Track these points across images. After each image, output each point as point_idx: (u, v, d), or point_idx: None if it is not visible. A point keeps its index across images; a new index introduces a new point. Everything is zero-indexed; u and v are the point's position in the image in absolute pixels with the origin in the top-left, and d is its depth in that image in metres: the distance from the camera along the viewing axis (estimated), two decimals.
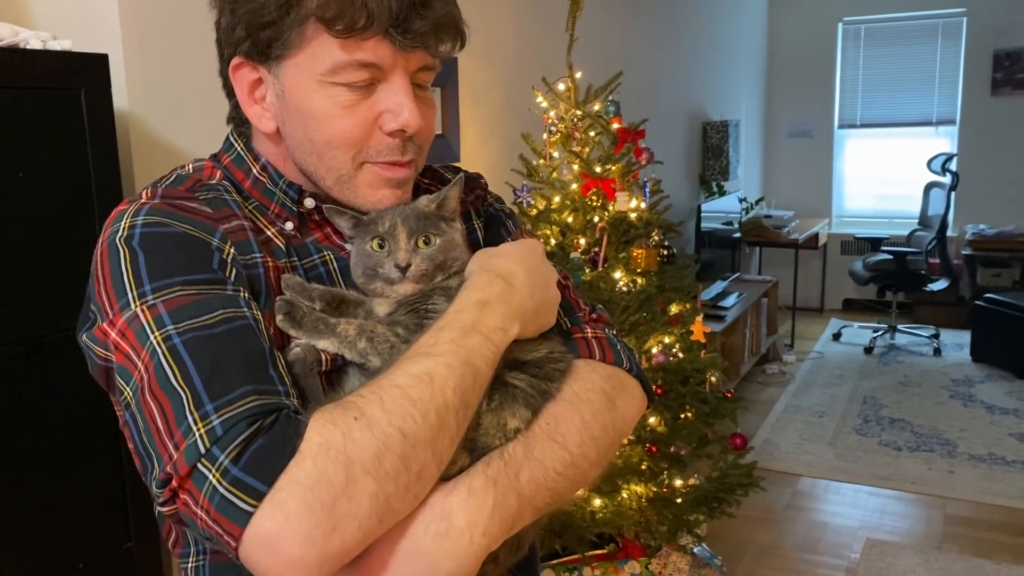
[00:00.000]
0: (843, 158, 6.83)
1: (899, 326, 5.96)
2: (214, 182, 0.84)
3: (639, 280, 2.61)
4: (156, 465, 0.67)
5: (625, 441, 2.62)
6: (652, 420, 2.66)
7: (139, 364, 0.70)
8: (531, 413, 0.79)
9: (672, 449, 2.65)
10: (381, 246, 0.81)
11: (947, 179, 5.64)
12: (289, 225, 0.85)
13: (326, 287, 0.82)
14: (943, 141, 6.40)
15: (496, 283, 0.78)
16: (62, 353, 1.15)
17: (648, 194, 2.70)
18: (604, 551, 2.90)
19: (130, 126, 1.55)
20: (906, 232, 6.08)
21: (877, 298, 6.37)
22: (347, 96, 0.79)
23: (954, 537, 3.31)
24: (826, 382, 5.14)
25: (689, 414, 2.71)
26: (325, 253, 0.86)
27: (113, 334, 0.73)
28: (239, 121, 0.88)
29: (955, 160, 5.81)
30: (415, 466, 0.67)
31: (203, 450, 0.64)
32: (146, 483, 0.72)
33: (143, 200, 0.79)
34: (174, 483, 0.66)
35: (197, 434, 0.65)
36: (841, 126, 6.78)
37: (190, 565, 0.84)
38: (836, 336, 6.06)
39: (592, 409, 0.83)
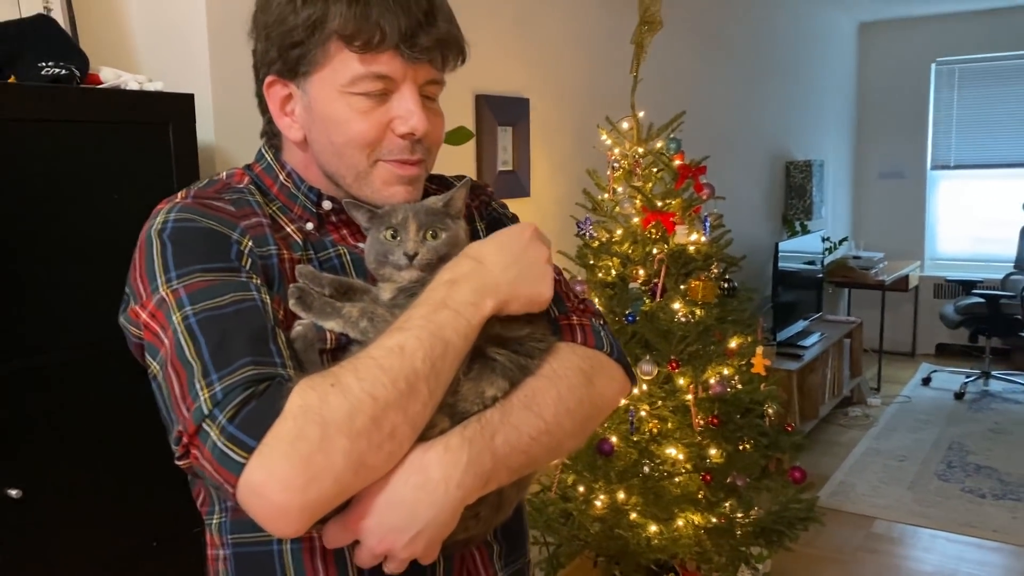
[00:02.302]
0: (936, 199, 6.68)
1: (994, 372, 5.75)
2: (241, 186, 0.98)
3: (698, 311, 2.68)
4: (174, 426, 0.81)
5: (683, 470, 2.67)
6: (713, 452, 2.70)
7: (164, 340, 0.84)
8: (509, 384, 0.88)
9: (729, 480, 2.68)
10: (393, 236, 0.92)
11: None
12: (309, 225, 0.98)
13: (336, 276, 0.94)
14: None
15: (465, 263, 0.89)
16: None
17: (708, 228, 2.76)
18: None
19: (216, 157, 1.74)
20: (1001, 276, 5.89)
21: (970, 343, 6.17)
22: (364, 103, 0.92)
23: None
24: (911, 427, 5.02)
25: (747, 445, 2.74)
26: (340, 248, 0.98)
27: (144, 315, 0.86)
28: (271, 135, 1.02)
29: None
30: (386, 426, 0.78)
31: (206, 411, 0.77)
32: (170, 444, 0.86)
33: (178, 200, 0.93)
34: (185, 439, 0.79)
35: (203, 398, 0.78)
36: (934, 167, 6.65)
37: (214, 521, 0.98)
38: (926, 381, 5.89)
39: (569, 385, 0.92)
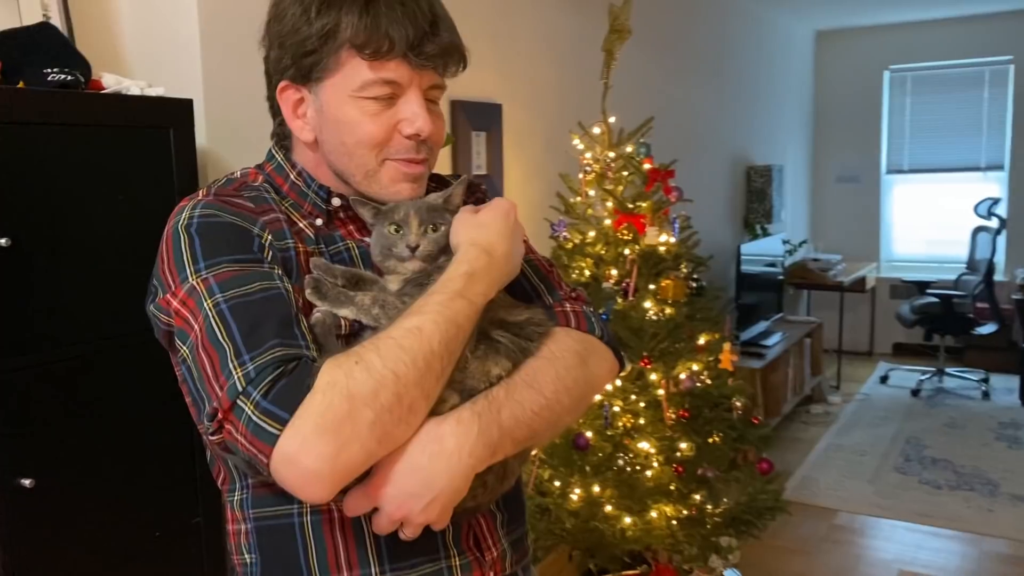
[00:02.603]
0: (891, 203, 6.90)
1: (948, 369, 5.96)
2: (256, 184, 1.04)
3: (668, 310, 2.78)
4: (206, 404, 0.87)
5: (655, 463, 2.76)
6: (684, 445, 2.80)
7: (195, 325, 0.90)
8: (512, 364, 0.96)
9: (699, 472, 2.78)
10: (397, 230, 0.99)
11: (994, 223, 5.68)
12: (319, 221, 1.04)
13: (347, 268, 1.01)
14: (992, 186, 6.43)
15: (481, 257, 0.96)
16: (147, 349, 1.36)
17: (678, 229, 2.87)
18: (636, 572, 3.03)
19: (207, 160, 1.80)
20: (954, 276, 6.10)
21: (925, 342, 6.38)
22: (373, 107, 0.99)
23: (988, 572, 3.34)
24: (870, 423, 5.18)
25: (717, 438, 2.84)
26: (348, 243, 1.05)
27: (175, 303, 0.92)
28: (281, 137, 1.09)
29: (1001, 204, 5.84)
30: (406, 400, 0.85)
31: (241, 388, 0.84)
32: (199, 423, 0.92)
33: (200, 197, 1.00)
34: (220, 416, 0.85)
35: (236, 376, 0.84)
36: (889, 171, 6.86)
37: (235, 498, 1.03)
38: (884, 379, 6.08)
39: (566, 365, 1.01)
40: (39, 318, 1.36)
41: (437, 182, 1.17)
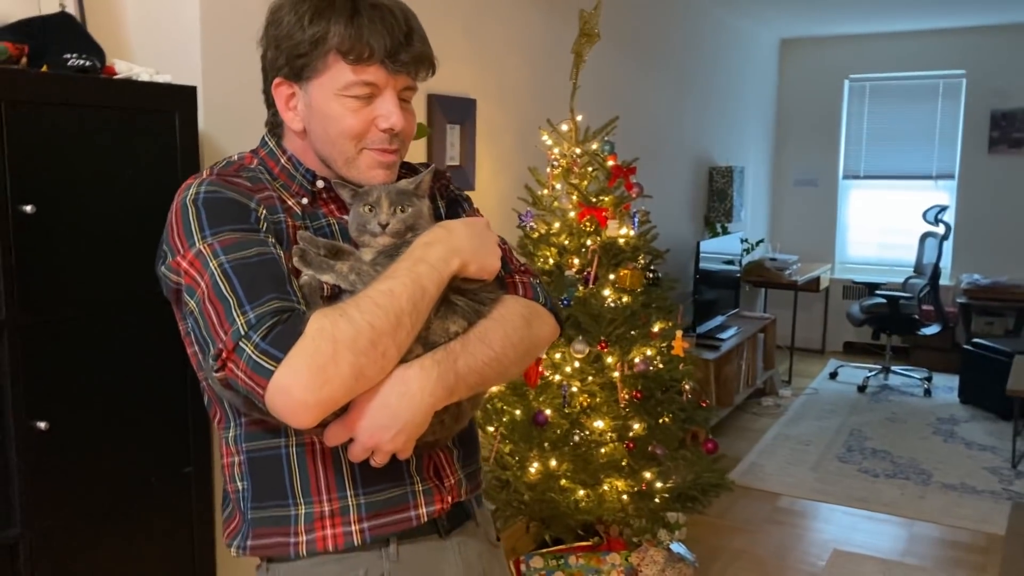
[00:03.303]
0: (847, 207, 7.18)
1: (894, 368, 6.24)
2: (252, 167, 1.21)
3: (625, 298, 2.97)
4: (212, 346, 1.04)
5: (609, 440, 2.96)
6: (637, 426, 3.00)
7: (201, 283, 1.06)
8: (467, 324, 1.15)
9: (650, 449, 2.98)
10: (370, 210, 1.16)
11: (940, 229, 5.96)
12: (305, 200, 1.22)
13: (329, 240, 1.19)
14: (942, 194, 6.73)
15: (439, 231, 1.15)
16: (150, 309, 1.52)
17: (637, 223, 3.06)
18: (589, 543, 3.23)
19: (205, 142, 1.96)
20: (903, 279, 6.39)
21: (873, 340, 6.67)
22: (354, 104, 1.16)
23: (916, 552, 3.59)
24: (817, 415, 5.44)
25: (667, 419, 3.04)
26: (330, 220, 1.22)
27: (184, 264, 1.09)
28: (274, 125, 1.26)
29: (947, 211, 6.14)
30: (380, 347, 1.03)
31: (243, 332, 1.01)
32: (201, 369, 1.09)
33: (204, 176, 1.16)
34: (224, 356, 1.02)
35: (239, 323, 1.02)
36: (846, 176, 7.14)
37: (230, 435, 1.21)
38: (833, 375, 6.35)
39: (513, 326, 1.19)
40: (57, 277, 1.51)
41: (408, 169, 1.35)
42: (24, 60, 1.52)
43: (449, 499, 1.24)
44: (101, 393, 1.60)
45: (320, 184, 1.23)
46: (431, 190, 1.31)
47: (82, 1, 1.79)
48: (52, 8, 1.70)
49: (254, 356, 1.00)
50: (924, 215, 6.05)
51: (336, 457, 1.16)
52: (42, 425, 1.49)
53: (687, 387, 3.03)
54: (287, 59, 1.17)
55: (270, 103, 1.24)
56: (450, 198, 1.36)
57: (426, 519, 1.21)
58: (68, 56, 1.56)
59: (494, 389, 3.05)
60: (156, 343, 1.64)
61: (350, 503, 1.16)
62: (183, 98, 1.71)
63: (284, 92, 1.20)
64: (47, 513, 1.52)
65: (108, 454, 1.63)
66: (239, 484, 1.20)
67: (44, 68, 1.53)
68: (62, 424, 1.53)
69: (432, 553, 1.24)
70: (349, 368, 1.01)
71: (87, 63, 1.57)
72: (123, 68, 1.67)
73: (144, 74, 1.68)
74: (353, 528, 1.16)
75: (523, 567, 3.08)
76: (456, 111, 3.19)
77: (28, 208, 1.44)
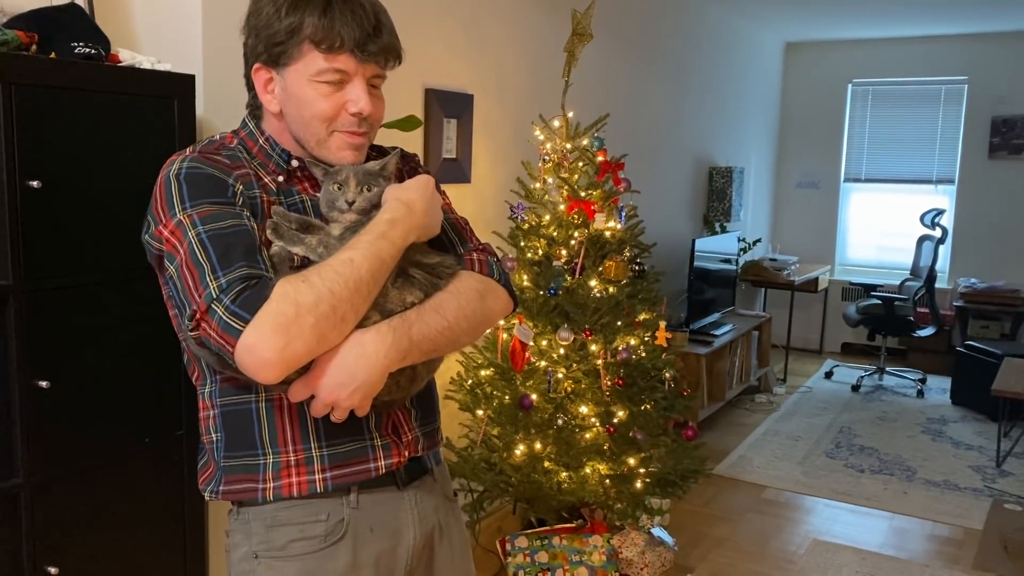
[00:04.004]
0: (848, 209, 7.25)
1: (888, 368, 6.32)
2: (232, 146, 1.32)
3: (611, 288, 3.08)
4: (187, 308, 1.14)
5: (592, 424, 3.07)
6: (621, 414, 3.11)
7: (180, 250, 1.17)
8: (424, 295, 1.26)
9: (631, 434, 3.09)
10: (339, 188, 1.27)
11: (937, 233, 6.04)
12: (280, 178, 1.33)
13: (300, 215, 1.29)
14: (942, 199, 6.80)
15: (401, 208, 1.25)
16: (146, 279, 1.63)
17: (624, 217, 3.17)
18: (572, 525, 3.34)
19: (203, 126, 2.08)
20: (899, 281, 6.46)
21: (869, 341, 6.75)
22: (326, 89, 1.27)
23: (893, 544, 3.68)
24: (809, 413, 5.53)
25: (648, 406, 3.15)
26: (303, 196, 1.33)
27: (166, 232, 1.20)
28: (253, 107, 1.37)
29: (944, 215, 6.21)
30: (340, 311, 1.14)
31: (215, 296, 1.12)
32: (179, 329, 1.20)
33: (187, 153, 1.27)
34: (197, 316, 1.12)
35: (212, 287, 1.12)
36: (847, 180, 7.22)
37: (206, 390, 1.32)
38: (828, 374, 6.43)
39: (467, 299, 1.30)
40: (60, 247, 1.64)
41: (377, 151, 1.46)
42: (34, 47, 1.65)
43: (406, 453, 1.36)
44: (99, 356, 1.73)
45: (295, 163, 1.34)
46: (400, 172, 1.42)
47: None
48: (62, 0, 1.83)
49: (224, 317, 1.10)
50: (921, 218, 6.12)
51: (301, 412, 1.27)
52: (43, 384, 1.61)
53: (668, 376, 3.14)
54: (265, 46, 1.28)
55: (250, 86, 1.36)
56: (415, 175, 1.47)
57: (384, 471, 1.33)
58: (75, 44, 1.69)
59: (483, 373, 3.17)
60: (152, 312, 1.75)
61: (314, 454, 1.28)
62: (182, 85, 1.83)
63: (263, 77, 1.32)
64: (46, 465, 1.65)
65: (105, 414, 1.75)
66: (213, 435, 1.32)
67: (52, 55, 1.65)
68: (62, 383, 1.65)
69: (389, 502, 1.35)
70: (310, 329, 1.11)
71: (92, 51, 1.69)
72: (127, 56, 1.80)
73: (146, 62, 1.80)
74: (316, 477, 1.28)
75: (508, 546, 3.20)
76: (453, 105, 3.31)
77: (35, 183, 1.56)
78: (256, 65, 1.31)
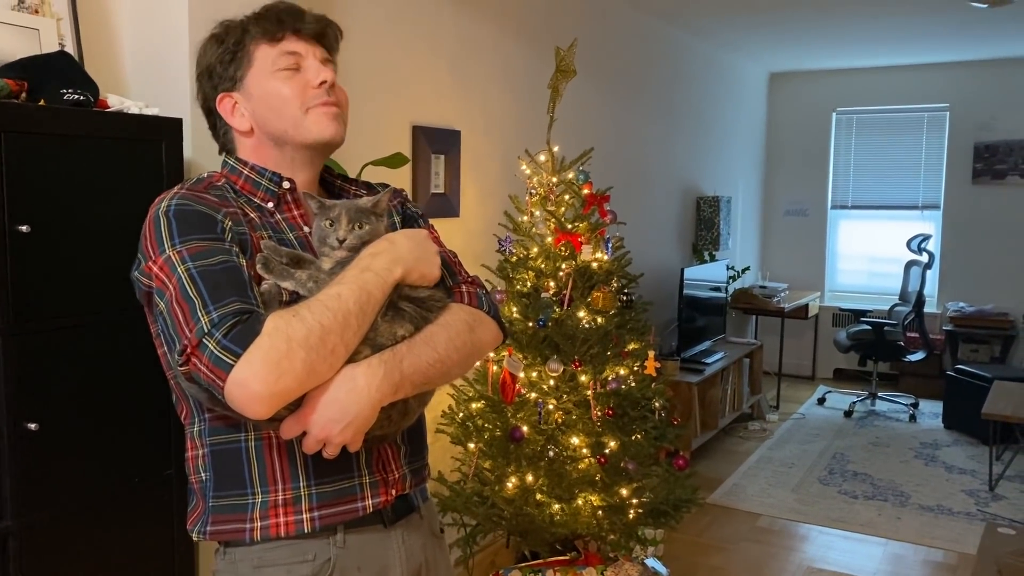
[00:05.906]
0: (836, 236, 7.32)
1: (880, 394, 6.34)
2: (220, 184, 1.34)
3: (599, 319, 3.11)
4: (177, 343, 1.15)
5: (583, 456, 3.08)
6: (612, 444, 3.12)
7: (170, 285, 1.18)
8: (414, 328, 1.26)
9: (622, 464, 3.10)
10: (331, 225, 1.29)
11: (924, 258, 6.09)
12: (270, 204, 1.35)
13: (290, 249, 1.31)
14: (928, 224, 6.87)
15: (383, 243, 1.28)
16: (135, 321, 1.65)
17: (611, 248, 3.21)
18: (566, 557, 3.33)
19: (191, 168, 2.11)
20: (888, 307, 6.50)
21: (860, 367, 6.77)
22: (285, 75, 1.33)
23: (888, 571, 3.68)
24: (802, 440, 5.54)
25: (639, 436, 3.16)
26: (292, 232, 1.35)
27: (155, 268, 1.21)
28: (224, 145, 1.41)
29: (931, 241, 6.27)
30: (329, 345, 1.15)
31: (206, 330, 1.12)
32: (168, 367, 1.22)
33: (175, 191, 1.29)
34: (188, 351, 1.13)
35: (203, 322, 1.13)
36: (834, 207, 7.29)
37: (195, 429, 1.33)
38: (821, 400, 6.45)
39: (457, 331, 1.31)
40: (50, 290, 1.66)
41: (367, 189, 1.49)
42: (24, 95, 1.68)
43: (393, 492, 1.36)
44: (89, 398, 1.74)
45: (287, 184, 1.36)
46: (389, 208, 1.45)
47: (80, 41, 1.95)
48: (52, 47, 1.86)
49: (216, 352, 1.11)
50: (908, 244, 6.18)
51: (291, 450, 1.28)
52: (33, 426, 1.62)
53: (658, 405, 3.15)
54: (220, 74, 1.35)
55: (218, 132, 1.41)
56: (406, 214, 1.49)
57: (371, 510, 1.33)
58: (64, 91, 1.72)
59: (474, 406, 3.18)
60: (141, 354, 1.77)
61: (302, 493, 1.29)
62: (169, 129, 1.86)
63: (228, 105, 1.36)
64: (36, 507, 1.65)
65: (94, 455, 1.76)
66: (202, 475, 1.33)
67: (42, 101, 1.68)
68: (52, 426, 1.66)
69: (377, 541, 1.36)
70: (301, 364, 1.12)
71: (81, 97, 1.72)
72: (115, 102, 1.83)
73: (134, 107, 1.84)
74: (304, 516, 1.28)
75: None
76: (441, 142, 3.35)
77: (24, 228, 1.59)
78: (219, 96, 1.36)
